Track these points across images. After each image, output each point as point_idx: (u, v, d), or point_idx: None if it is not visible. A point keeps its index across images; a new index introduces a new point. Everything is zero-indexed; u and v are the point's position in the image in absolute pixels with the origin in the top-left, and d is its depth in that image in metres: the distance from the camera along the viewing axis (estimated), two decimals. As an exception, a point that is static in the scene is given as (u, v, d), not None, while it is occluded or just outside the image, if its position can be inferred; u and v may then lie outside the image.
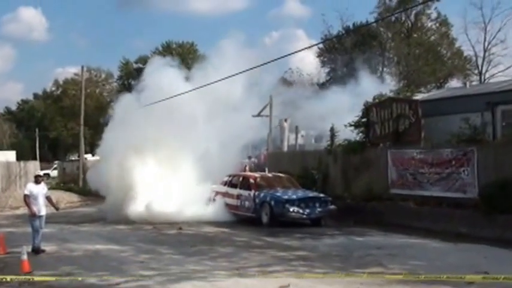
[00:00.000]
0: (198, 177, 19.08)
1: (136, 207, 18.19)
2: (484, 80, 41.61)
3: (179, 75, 21.20)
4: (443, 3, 44.67)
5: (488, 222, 13.23)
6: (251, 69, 14.69)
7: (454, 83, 42.74)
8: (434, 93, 20.95)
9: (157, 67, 22.03)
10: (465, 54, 44.85)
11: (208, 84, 16.48)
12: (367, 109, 18.93)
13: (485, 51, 42.60)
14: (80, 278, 9.32)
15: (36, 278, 9.30)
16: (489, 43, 42.10)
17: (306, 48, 16.70)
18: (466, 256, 11.03)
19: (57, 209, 13.22)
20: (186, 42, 65.44)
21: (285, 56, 14.36)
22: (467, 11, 50.74)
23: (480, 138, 15.24)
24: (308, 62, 45.90)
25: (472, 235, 13.05)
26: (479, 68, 43.49)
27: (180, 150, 19.34)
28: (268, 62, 14.39)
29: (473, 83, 31.48)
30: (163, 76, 20.66)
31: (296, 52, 13.48)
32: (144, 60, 55.47)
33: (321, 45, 45.38)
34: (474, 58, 43.84)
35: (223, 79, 15.55)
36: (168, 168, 19.12)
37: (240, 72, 15.06)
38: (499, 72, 42.25)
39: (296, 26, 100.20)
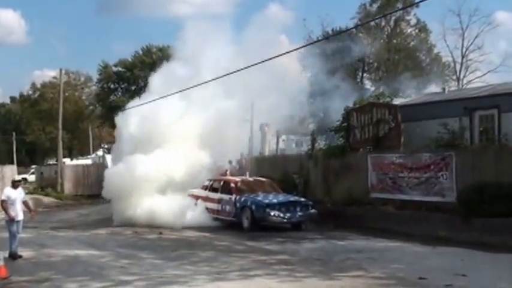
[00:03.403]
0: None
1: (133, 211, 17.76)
2: (462, 85, 42.21)
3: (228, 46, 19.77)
4: (422, 9, 45.28)
5: (466, 226, 13.41)
6: (237, 71, 14.59)
7: (433, 89, 43.30)
8: (414, 99, 21.18)
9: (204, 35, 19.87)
10: (444, 60, 45.53)
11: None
12: (348, 114, 19.09)
13: (463, 57, 43.30)
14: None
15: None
16: (467, 49, 42.82)
17: (287, 52, 16.65)
18: (444, 259, 11.17)
19: (33, 215, 12.99)
20: (168, 45, 64.85)
21: (268, 59, 14.26)
22: (445, 17, 51.46)
23: (458, 143, 15.45)
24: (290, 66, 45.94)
25: (450, 238, 13.22)
26: (457, 73, 44.16)
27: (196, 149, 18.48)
28: (251, 66, 14.37)
29: (452, 89, 31.86)
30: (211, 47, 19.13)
31: (278, 56, 13.43)
32: (123, 63, 54.81)
33: (301, 50, 45.50)
34: (452, 64, 44.52)
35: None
36: (171, 165, 18.18)
37: (226, 75, 14.98)
38: (477, 78, 42.93)
39: (278, 31, 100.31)
